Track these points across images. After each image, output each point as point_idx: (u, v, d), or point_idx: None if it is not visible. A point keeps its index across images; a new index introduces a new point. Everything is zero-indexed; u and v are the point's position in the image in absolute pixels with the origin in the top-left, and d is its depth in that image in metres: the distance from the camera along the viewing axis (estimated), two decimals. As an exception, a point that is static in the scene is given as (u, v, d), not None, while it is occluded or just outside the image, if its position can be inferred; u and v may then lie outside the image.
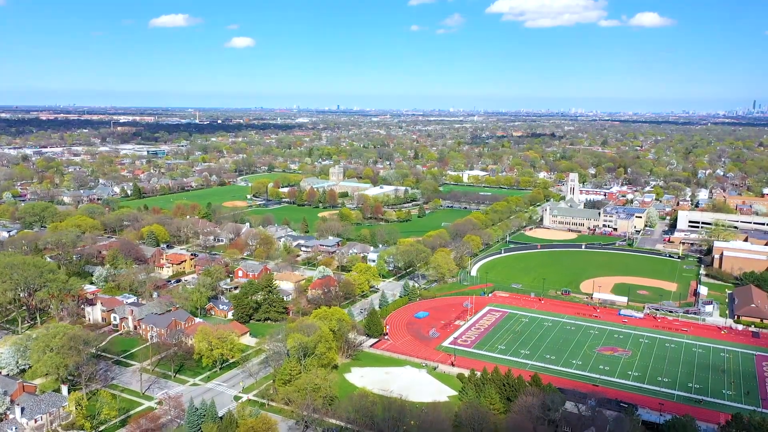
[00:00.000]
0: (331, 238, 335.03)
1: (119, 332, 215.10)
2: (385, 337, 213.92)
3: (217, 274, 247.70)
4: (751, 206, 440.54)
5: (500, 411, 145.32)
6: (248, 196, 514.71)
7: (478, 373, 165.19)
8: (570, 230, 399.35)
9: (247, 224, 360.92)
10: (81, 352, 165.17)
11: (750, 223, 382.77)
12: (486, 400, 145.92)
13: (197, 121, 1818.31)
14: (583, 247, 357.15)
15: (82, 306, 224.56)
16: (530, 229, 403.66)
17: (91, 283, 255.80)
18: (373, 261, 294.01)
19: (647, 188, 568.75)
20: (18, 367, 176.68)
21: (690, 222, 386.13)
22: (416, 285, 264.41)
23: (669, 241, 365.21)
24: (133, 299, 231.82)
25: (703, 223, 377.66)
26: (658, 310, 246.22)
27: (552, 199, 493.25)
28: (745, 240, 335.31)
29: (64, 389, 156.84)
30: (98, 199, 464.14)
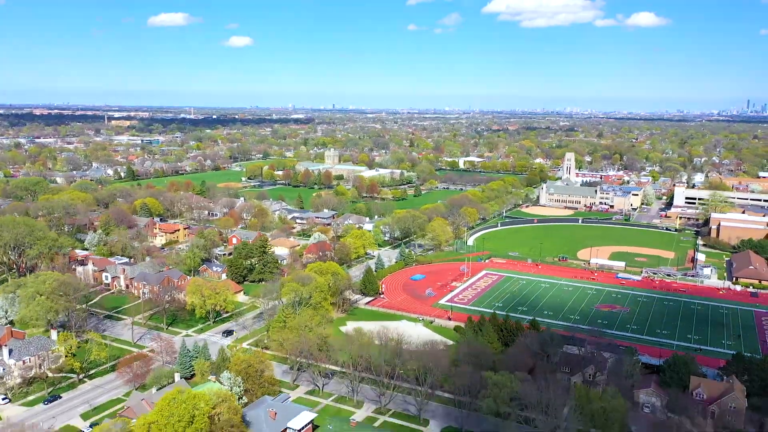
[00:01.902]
0: (326, 211, 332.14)
1: (111, 291, 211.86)
2: (381, 296, 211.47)
3: (210, 237, 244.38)
4: (747, 186, 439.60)
5: (498, 351, 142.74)
6: (243, 179, 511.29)
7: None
8: (566, 207, 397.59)
9: (242, 198, 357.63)
10: (71, 298, 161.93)
11: (747, 199, 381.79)
12: (484, 339, 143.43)
13: (191, 116, 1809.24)
14: (580, 221, 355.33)
15: (74, 267, 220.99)
16: (527, 206, 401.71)
17: (84, 249, 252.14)
18: (370, 231, 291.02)
19: (643, 173, 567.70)
20: (7, 318, 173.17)
21: (687, 198, 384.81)
22: (412, 251, 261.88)
23: (666, 216, 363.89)
24: (125, 261, 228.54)
25: (699, 199, 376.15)
26: (655, 273, 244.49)
27: (548, 180, 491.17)
28: (743, 213, 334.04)
29: (54, 334, 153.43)
30: (91, 180, 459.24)
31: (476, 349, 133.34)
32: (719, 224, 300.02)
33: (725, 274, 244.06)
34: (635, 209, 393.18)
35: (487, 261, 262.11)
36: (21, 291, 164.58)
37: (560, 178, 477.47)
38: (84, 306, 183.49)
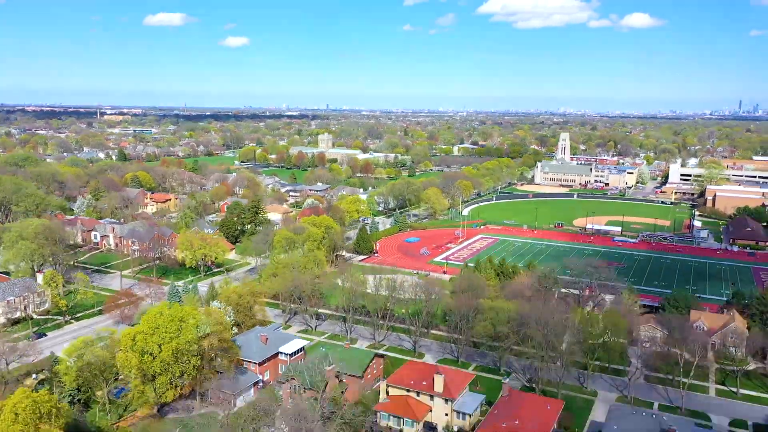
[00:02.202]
0: (320, 184, 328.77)
1: (100, 250, 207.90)
2: (375, 255, 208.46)
3: (202, 199, 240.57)
4: (742, 166, 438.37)
5: (495, 287, 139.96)
6: (235, 162, 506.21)
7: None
8: (561, 185, 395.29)
9: (234, 174, 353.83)
10: (57, 242, 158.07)
11: (742, 176, 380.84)
12: (482, 274, 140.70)
13: (185, 113, 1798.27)
14: (575, 196, 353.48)
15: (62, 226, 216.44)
16: (521, 184, 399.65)
17: (73, 215, 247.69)
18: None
19: (638, 158, 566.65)
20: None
21: (682, 175, 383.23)
22: (407, 218, 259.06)
23: (662, 192, 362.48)
24: (114, 222, 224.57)
25: (695, 175, 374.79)
26: (652, 237, 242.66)
27: (543, 160, 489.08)
28: (739, 185, 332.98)
29: (39, 277, 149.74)
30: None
31: (473, 282, 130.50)
32: (715, 195, 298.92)
33: (722, 238, 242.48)
34: (630, 187, 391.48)
35: (482, 227, 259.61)
36: (5, 235, 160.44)
37: (555, 158, 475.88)
38: (72, 262, 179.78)
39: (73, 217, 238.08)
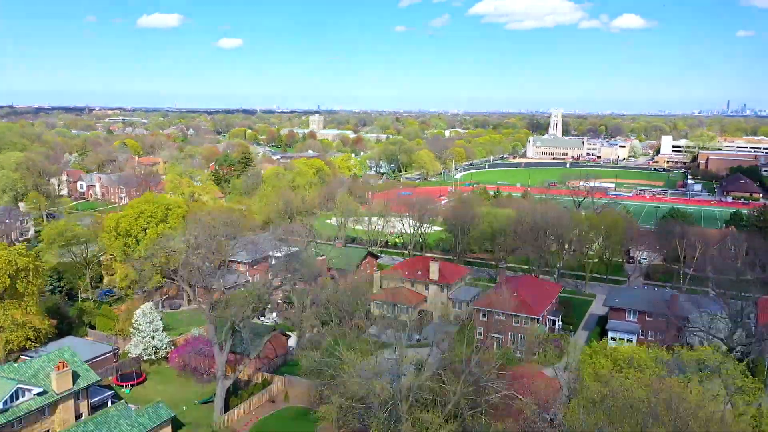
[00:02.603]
0: (311, 152, 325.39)
1: (86, 199, 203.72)
2: (368, 203, 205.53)
3: (189, 152, 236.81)
4: (733, 141, 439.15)
5: (491, 202, 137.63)
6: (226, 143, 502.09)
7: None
8: (554, 158, 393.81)
9: (224, 142, 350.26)
10: (40, 174, 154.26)
11: (733, 147, 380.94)
12: (478, 198, 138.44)
13: (175, 110, 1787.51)
14: (568, 165, 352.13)
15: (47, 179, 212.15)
16: (513, 157, 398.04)
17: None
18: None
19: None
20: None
21: (674, 147, 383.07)
22: (399, 175, 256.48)
23: (654, 162, 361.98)
24: (101, 173, 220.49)
25: (686, 146, 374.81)
26: (646, 191, 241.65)
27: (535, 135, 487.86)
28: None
29: (22, 206, 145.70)
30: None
31: (469, 199, 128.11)
32: (707, 158, 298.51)
33: (715, 191, 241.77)
34: (622, 160, 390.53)
35: (475, 185, 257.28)
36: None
37: (547, 134, 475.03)
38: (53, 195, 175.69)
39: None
